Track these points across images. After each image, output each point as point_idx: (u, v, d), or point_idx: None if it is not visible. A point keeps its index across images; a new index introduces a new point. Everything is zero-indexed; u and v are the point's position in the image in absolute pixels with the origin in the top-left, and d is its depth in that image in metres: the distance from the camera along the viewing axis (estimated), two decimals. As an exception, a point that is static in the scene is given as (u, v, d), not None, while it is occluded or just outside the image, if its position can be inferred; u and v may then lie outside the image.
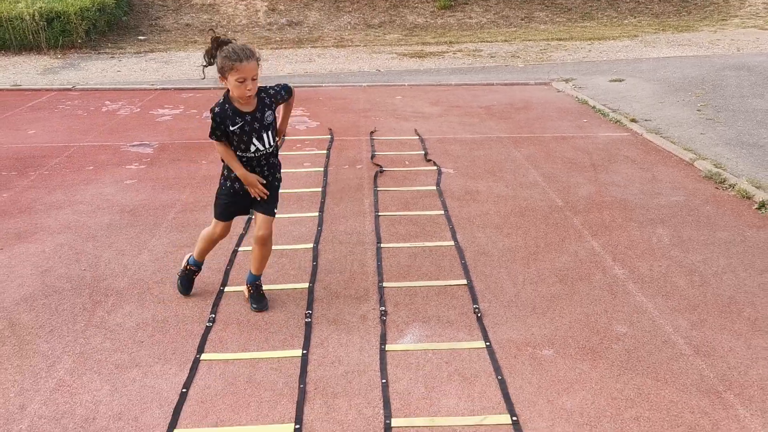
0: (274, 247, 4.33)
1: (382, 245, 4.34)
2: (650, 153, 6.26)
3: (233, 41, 3.16)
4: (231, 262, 4.16)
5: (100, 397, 2.89)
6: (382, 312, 3.53)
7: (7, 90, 9.62)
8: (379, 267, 4.04)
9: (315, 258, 4.17)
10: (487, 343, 3.24)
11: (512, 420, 2.69)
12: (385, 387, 2.92)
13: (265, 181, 3.38)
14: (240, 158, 3.32)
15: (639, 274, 3.92)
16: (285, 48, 13.75)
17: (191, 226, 4.68)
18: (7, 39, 13.06)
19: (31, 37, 13.13)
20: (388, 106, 8.36)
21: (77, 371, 3.06)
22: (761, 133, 6.67)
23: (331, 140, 6.78)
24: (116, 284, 3.89)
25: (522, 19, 16.56)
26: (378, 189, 5.38)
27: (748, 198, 5.01)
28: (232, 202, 3.44)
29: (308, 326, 3.41)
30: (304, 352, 3.19)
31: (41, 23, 13.07)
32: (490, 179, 5.60)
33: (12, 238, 4.53)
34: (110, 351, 3.23)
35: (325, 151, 6.39)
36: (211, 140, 3.32)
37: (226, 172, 3.42)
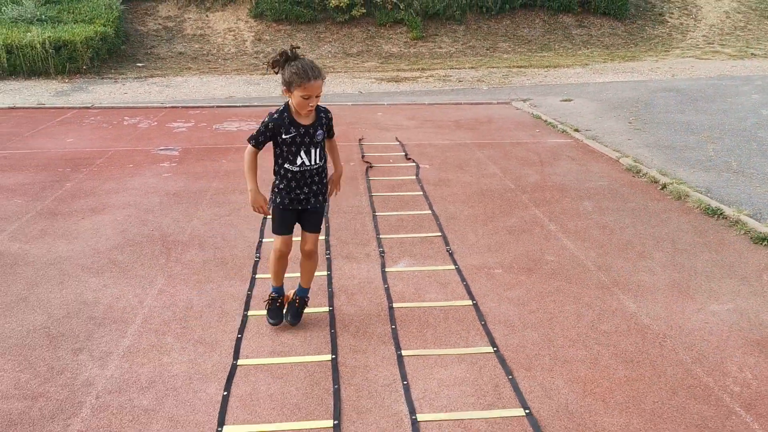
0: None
1: (376, 213, 5.73)
2: (587, 153, 7.78)
3: (303, 57, 3.33)
4: (263, 224, 5.48)
5: (191, 296, 4.21)
6: (381, 251, 4.91)
7: (34, 108, 10.88)
8: (376, 226, 5.42)
9: (326, 221, 5.53)
10: (456, 266, 4.63)
11: (473, 303, 4.08)
12: (387, 290, 4.29)
13: (266, 208, 3.55)
14: (286, 171, 3.49)
15: (567, 229, 5.36)
16: (273, 74, 15.16)
17: (226, 204, 6.01)
18: (18, 65, 14.24)
19: (40, 63, 14.34)
20: (371, 120, 9.81)
21: (170, 284, 4.38)
22: (675, 139, 8.25)
23: (327, 145, 8.18)
24: (180, 238, 5.20)
25: (487, 49, 18.28)
26: (369, 178, 6.77)
27: (656, 182, 6.51)
28: (284, 218, 3.62)
29: (329, 260, 4.77)
30: (329, 272, 4.55)
31: (50, 51, 14.31)
32: (458, 172, 7.04)
33: (88, 211, 5.82)
34: (189, 274, 4.55)
35: (323, 153, 7.77)
36: (248, 144, 3.51)
37: (276, 190, 3.59)
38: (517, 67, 15.66)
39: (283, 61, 3.32)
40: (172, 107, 10.92)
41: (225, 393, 3.21)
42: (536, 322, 3.86)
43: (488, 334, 3.72)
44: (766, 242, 4.90)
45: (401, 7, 18.51)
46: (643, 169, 6.88)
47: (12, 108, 10.88)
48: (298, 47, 3.37)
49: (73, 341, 3.68)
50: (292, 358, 3.50)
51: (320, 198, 3.67)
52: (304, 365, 3.44)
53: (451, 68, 15.68)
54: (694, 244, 5.00)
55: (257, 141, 3.47)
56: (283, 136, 3.41)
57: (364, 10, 18.29)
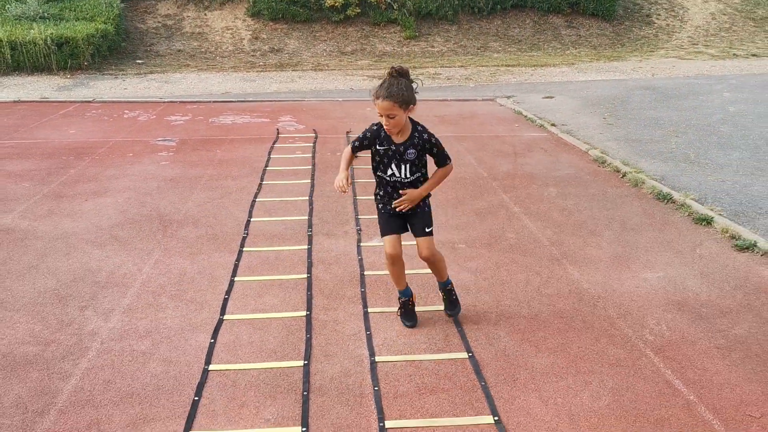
0: (282, 198, 6.19)
1: (357, 197, 6.23)
2: (559, 146, 8.29)
3: (403, 80, 3.43)
4: (252, 206, 5.99)
5: (184, 266, 4.71)
6: (358, 229, 5.41)
7: (38, 102, 11.39)
8: (356, 207, 5.93)
9: (310, 204, 6.04)
10: (424, 242, 5.13)
11: (435, 272, 4.59)
12: (360, 261, 4.79)
13: (345, 189, 3.61)
14: (380, 179, 3.74)
15: (530, 211, 5.87)
16: (269, 71, 15.69)
17: (219, 188, 6.52)
18: (21, 61, 14.73)
19: (42, 59, 14.82)
20: (359, 115, 10.31)
21: (166, 256, 4.89)
22: (643, 133, 8.77)
23: (316, 137, 8.69)
24: (175, 217, 5.71)
25: (478, 48, 18.78)
26: (353, 167, 7.25)
27: (618, 172, 7.02)
28: (387, 221, 3.81)
29: (309, 237, 5.27)
30: (309, 247, 5.05)
31: (52, 47, 14.80)
32: (437, 161, 7.53)
33: (91, 194, 6.32)
34: (183, 247, 5.05)
35: (311, 144, 8.29)
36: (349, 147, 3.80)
37: (377, 198, 3.87)
38: (506, 66, 16.16)
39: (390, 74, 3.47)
40: (171, 102, 11.42)
41: (212, 341, 3.71)
42: (489, 287, 4.37)
43: (445, 296, 4.22)
44: (704, 222, 5.41)
45: (395, 7, 19.02)
46: (608, 159, 7.39)
47: (17, 102, 11.39)
48: (402, 68, 3.48)
49: (79, 300, 4.18)
50: (271, 314, 4.01)
51: (419, 203, 3.74)
52: (282, 319, 3.95)
53: (441, 66, 16.18)
54: (641, 224, 5.51)
55: (353, 146, 3.73)
56: (377, 147, 3.62)
57: (359, 10, 18.78)
